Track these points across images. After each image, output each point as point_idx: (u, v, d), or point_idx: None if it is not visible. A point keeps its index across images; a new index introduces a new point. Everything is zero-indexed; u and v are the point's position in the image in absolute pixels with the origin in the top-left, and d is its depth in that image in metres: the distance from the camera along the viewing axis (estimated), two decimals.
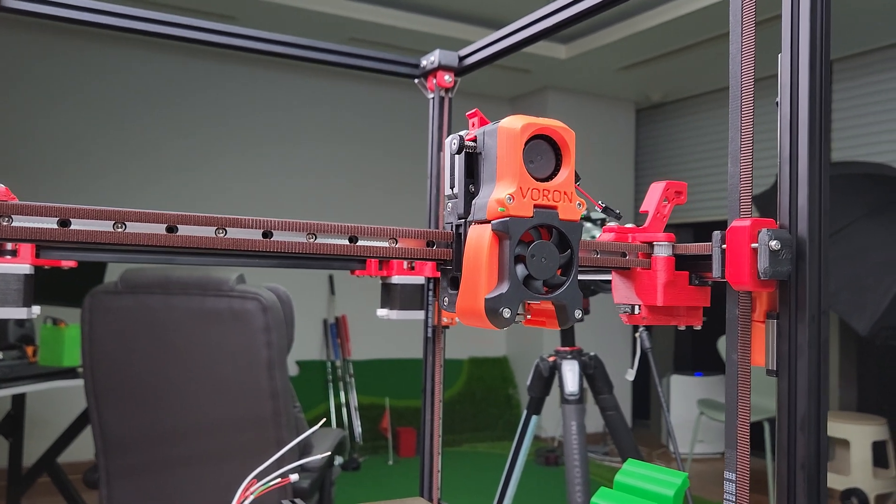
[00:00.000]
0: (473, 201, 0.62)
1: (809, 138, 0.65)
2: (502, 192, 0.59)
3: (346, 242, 0.60)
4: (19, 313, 0.78)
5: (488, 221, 0.60)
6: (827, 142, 0.67)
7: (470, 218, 0.62)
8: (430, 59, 1.19)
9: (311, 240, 0.60)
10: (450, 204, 0.66)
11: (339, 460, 4.54)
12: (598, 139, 5.53)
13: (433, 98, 1.22)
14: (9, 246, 0.72)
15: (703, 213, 5.29)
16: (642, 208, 0.78)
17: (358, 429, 4.77)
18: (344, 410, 4.85)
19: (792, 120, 0.67)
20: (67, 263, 0.98)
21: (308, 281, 4.83)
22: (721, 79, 4.95)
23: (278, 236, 0.59)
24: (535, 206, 0.60)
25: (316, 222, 0.60)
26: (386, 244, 0.62)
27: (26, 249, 0.72)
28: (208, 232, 0.58)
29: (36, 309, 0.79)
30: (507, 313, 0.57)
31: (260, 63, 4.73)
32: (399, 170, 5.14)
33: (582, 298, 0.61)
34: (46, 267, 0.88)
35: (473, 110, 0.64)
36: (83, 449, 3.03)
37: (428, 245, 0.64)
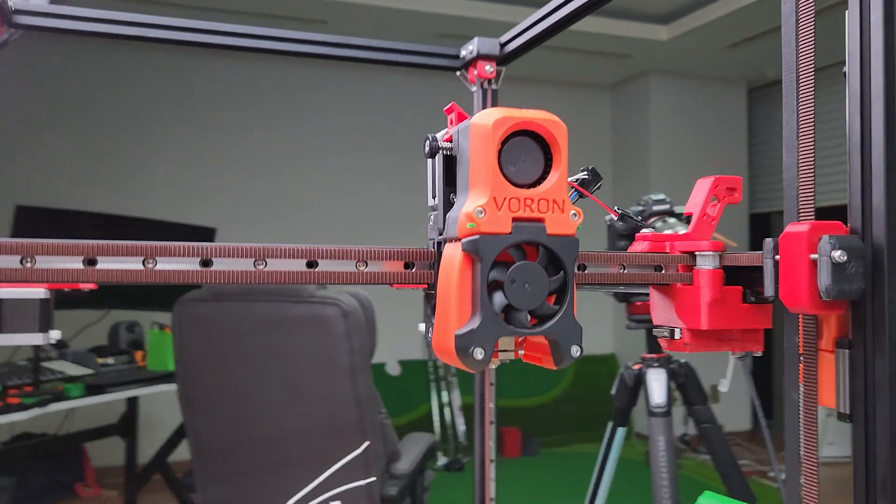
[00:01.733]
0: (447, 214, 0.51)
1: (885, 118, 0.50)
2: (472, 203, 0.48)
3: (304, 269, 0.52)
4: (35, 339, 0.75)
5: (460, 240, 0.49)
6: None
7: (444, 235, 0.52)
8: (469, 49, 1.09)
9: (262, 267, 0.51)
10: (431, 217, 0.56)
11: (442, 461, 4.51)
12: (707, 124, 5.18)
13: (476, 91, 1.11)
14: None
15: (831, 196, 4.83)
16: (686, 210, 0.65)
17: (461, 427, 4.71)
18: (447, 410, 4.80)
19: (864, 95, 0.52)
20: (87, 286, 0.95)
21: None
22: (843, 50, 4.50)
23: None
24: (515, 220, 0.48)
25: (268, 246, 0.52)
26: (353, 269, 0.52)
27: None
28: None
29: (54, 333, 0.75)
30: (479, 354, 0.46)
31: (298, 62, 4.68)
32: None
33: (581, 331, 0.49)
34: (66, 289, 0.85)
35: (450, 104, 0.53)
36: None
37: (406, 267, 0.54)
